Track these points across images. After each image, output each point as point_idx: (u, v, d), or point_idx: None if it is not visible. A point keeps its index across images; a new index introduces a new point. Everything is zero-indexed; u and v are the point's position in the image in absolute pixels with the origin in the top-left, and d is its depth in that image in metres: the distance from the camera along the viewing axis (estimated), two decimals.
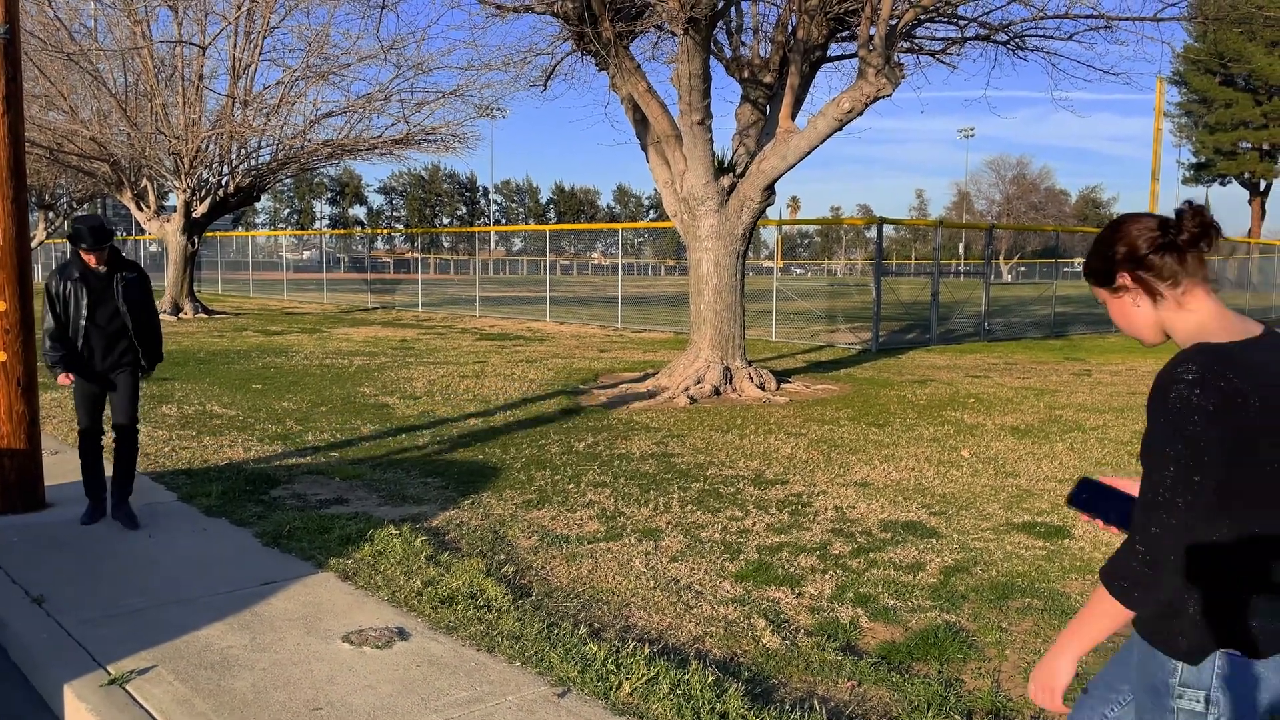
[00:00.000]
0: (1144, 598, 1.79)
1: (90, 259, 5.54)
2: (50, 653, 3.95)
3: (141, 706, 3.48)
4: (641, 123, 11.71)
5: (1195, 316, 1.84)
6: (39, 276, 51.90)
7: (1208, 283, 1.84)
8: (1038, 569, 5.18)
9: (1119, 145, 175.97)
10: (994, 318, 22.80)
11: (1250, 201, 59.41)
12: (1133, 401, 11.40)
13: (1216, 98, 55.32)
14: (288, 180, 32.23)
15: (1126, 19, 12.11)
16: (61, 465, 7.19)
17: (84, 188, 34.32)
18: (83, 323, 5.55)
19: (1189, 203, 1.86)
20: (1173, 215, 1.84)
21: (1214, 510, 1.77)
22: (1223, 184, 60.75)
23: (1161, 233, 1.83)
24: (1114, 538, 5.74)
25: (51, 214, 38.66)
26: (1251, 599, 1.81)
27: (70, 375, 5.56)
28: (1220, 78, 54.22)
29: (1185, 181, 62.42)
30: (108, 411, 5.91)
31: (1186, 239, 1.82)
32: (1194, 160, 60.68)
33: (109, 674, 3.72)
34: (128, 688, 3.62)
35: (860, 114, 10.29)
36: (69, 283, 5.56)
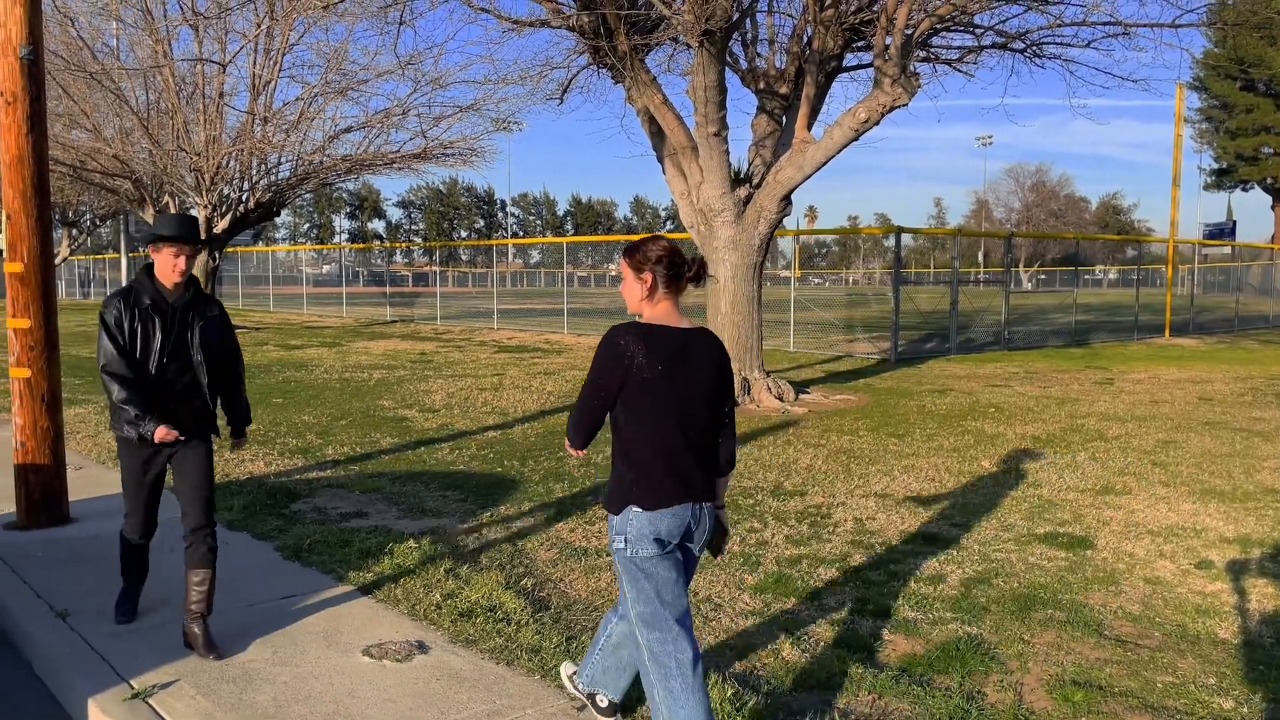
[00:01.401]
0: (578, 441, 3.11)
1: (176, 264, 4.02)
2: (74, 666, 3.98)
3: None
4: (658, 135, 11.74)
5: (655, 310, 3.08)
6: (63, 293, 52.48)
7: (676, 298, 3.09)
8: (1060, 580, 5.13)
9: (1139, 151, 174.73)
10: (1014, 326, 22.68)
11: (1273, 207, 58.84)
12: (1156, 410, 11.30)
13: (1237, 103, 54.90)
14: (307, 195, 32.49)
15: (1144, 25, 12.08)
16: (85, 480, 7.26)
17: (107, 205, 34.70)
18: (151, 368, 4.02)
19: (701, 260, 3.11)
20: (690, 260, 3.08)
21: (619, 411, 3.02)
22: (1245, 189, 60.22)
23: (682, 265, 3.06)
24: (1138, 548, 5.68)
25: (75, 231, 39.09)
26: (642, 473, 2.98)
27: (171, 429, 4.01)
28: (1241, 83, 53.80)
29: (1207, 187, 61.91)
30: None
31: (690, 276, 3.09)
32: (1215, 166, 60.22)
33: (132, 688, 3.75)
34: (150, 701, 3.64)
35: (877, 124, 10.28)
36: (135, 313, 4.00)
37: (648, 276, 3.05)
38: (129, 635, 4.27)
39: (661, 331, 2.99)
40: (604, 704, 3.43)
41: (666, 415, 2.97)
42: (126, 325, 4.00)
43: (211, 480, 4.21)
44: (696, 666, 2.99)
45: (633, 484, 2.99)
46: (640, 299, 3.09)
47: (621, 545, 3.00)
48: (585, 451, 3.13)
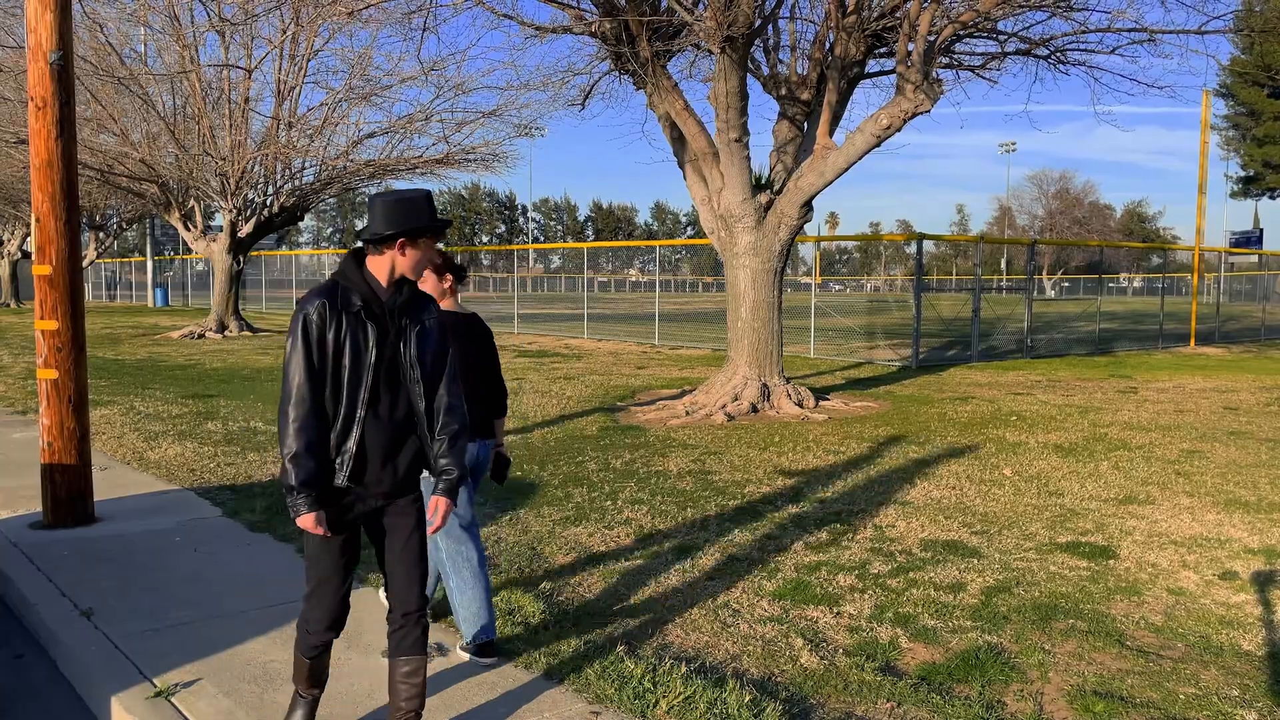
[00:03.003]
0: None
1: (433, 259, 3.39)
2: (98, 665, 4.02)
3: (186, 719, 3.54)
4: (679, 140, 11.76)
5: (446, 303, 4.14)
6: (90, 296, 52.96)
7: (456, 294, 4.19)
8: (1082, 590, 5.10)
9: (1165, 159, 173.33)
10: (1037, 334, 22.53)
11: None
12: (1180, 420, 11.20)
13: (1265, 110, 54.29)
14: (330, 200, 32.74)
15: (1170, 32, 12.00)
16: (110, 480, 7.34)
17: (133, 208, 35.09)
18: (362, 396, 3.03)
19: (464, 265, 4.17)
20: (459, 265, 4.15)
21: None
22: (1272, 198, 59.50)
23: (460, 269, 4.15)
24: (1161, 558, 5.63)
25: (102, 234, 39.54)
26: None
27: (322, 523, 3.01)
28: (1268, 90, 53.20)
29: (1234, 195, 61.23)
30: None
31: (466, 276, 4.16)
32: (1242, 173, 59.60)
33: (155, 686, 3.79)
34: (173, 700, 3.68)
35: (899, 130, 10.26)
36: (344, 319, 3.02)
37: (449, 278, 4.15)
38: (153, 634, 4.32)
39: (453, 315, 4.13)
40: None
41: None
42: (332, 337, 2.99)
43: (426, 554, 3.23)
44: (482, 564, 4.11)
45: None
46: (441, 295, 4.16)
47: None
48: None
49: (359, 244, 3.15)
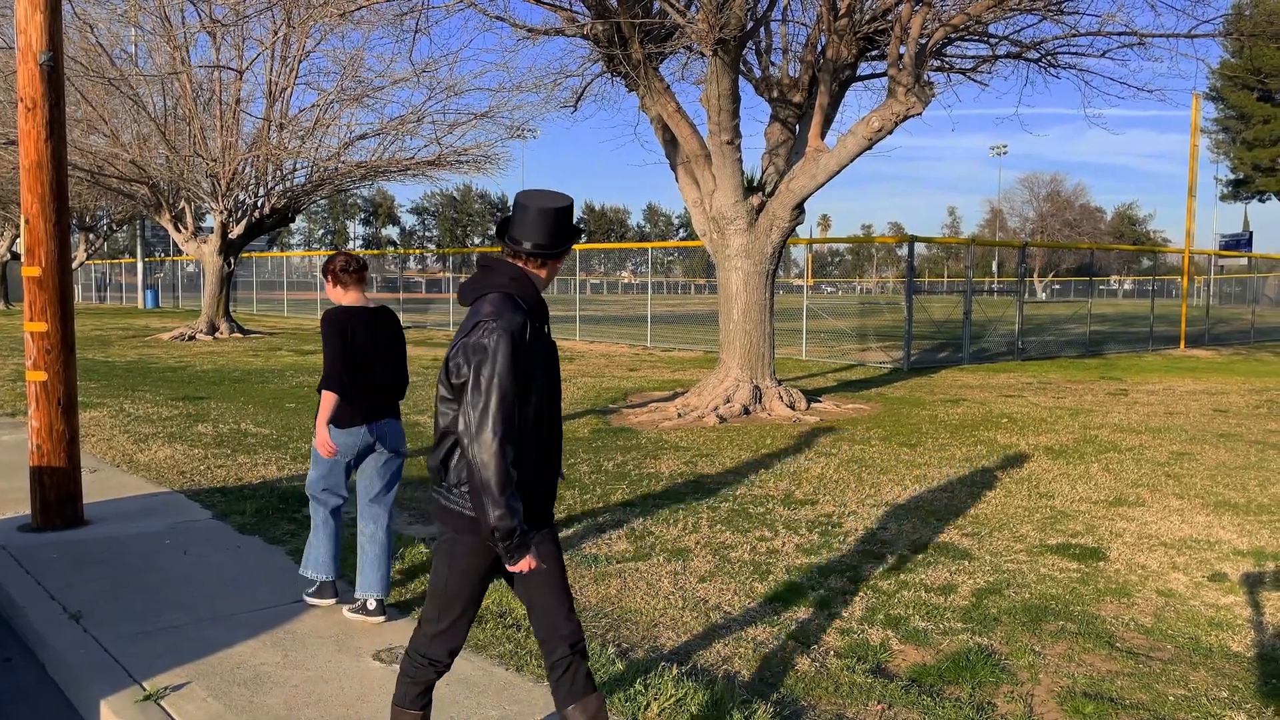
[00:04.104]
0: (335, 386, 4.46)
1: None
2: (87, 669, 4.01)
3: None
4: (671, 143, 11.77)
5: (348, 298, 4.60)
6: (79, 297, 52.73)
7: (361, 288, 4.61)
8: (1072, 591, 5.11)
9: (1155, 161, 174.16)
10: (1028, 336, 22.60)
11: None
12: (1171, 422, 11.24)
13: (1254, 114, 54.53)
14: (322, 201, 32.67)
15: (1160, 35, 12.04)
16: (100, 483, 7.31)
17: (124, 210, 34.97)
18: (544, 422, 2.84)
19: (355, 258, 4.66)
20: (361, 261, 4.65)
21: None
22: (1262, 200, 59.76)
23: (348, 264, 4.60)
24: (1151, 560, 5.65)
25: (91, 235, 39.39)
26: (342, 403, 4.51)
27: (534, 555, 2.75)
28: (1258, 94, 53.46)
29: (1224, 198, 61.48)
30: None
31: (355, 269, 4.60)
32: (1232, 177, 59.86)
33: (144, 690, 3.77)
34: (163, 704, 3.66)
35: (890, 132, 10.28)
36: (539, 338, 2.80)
37: (346, 279, 4.62)
38: (142, 637, 4.30)
39: (366, 310, 4.60)
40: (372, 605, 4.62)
41: (363, 364, 4.52)
42: (533, 357, 2.74)
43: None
44: (337, 520, 4.74)
45: (338, 410, 4.49)
46: (342, 294, 4.60)
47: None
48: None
49: (504, 252, 2.87)
